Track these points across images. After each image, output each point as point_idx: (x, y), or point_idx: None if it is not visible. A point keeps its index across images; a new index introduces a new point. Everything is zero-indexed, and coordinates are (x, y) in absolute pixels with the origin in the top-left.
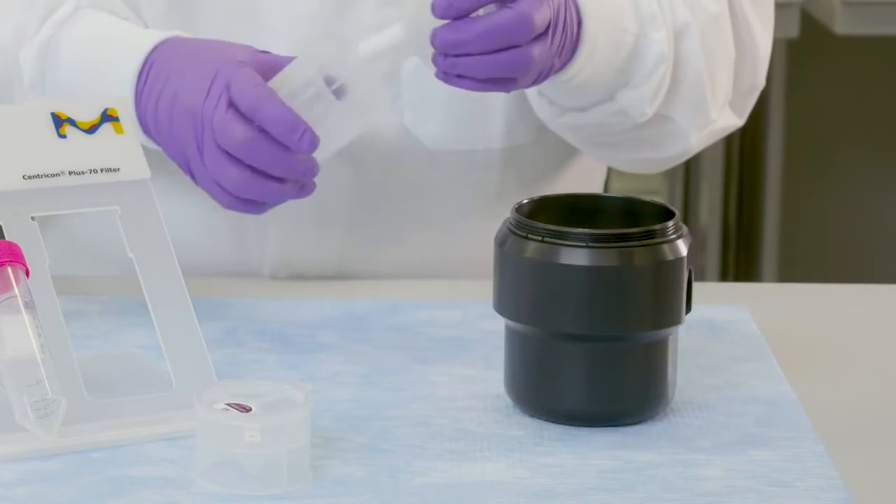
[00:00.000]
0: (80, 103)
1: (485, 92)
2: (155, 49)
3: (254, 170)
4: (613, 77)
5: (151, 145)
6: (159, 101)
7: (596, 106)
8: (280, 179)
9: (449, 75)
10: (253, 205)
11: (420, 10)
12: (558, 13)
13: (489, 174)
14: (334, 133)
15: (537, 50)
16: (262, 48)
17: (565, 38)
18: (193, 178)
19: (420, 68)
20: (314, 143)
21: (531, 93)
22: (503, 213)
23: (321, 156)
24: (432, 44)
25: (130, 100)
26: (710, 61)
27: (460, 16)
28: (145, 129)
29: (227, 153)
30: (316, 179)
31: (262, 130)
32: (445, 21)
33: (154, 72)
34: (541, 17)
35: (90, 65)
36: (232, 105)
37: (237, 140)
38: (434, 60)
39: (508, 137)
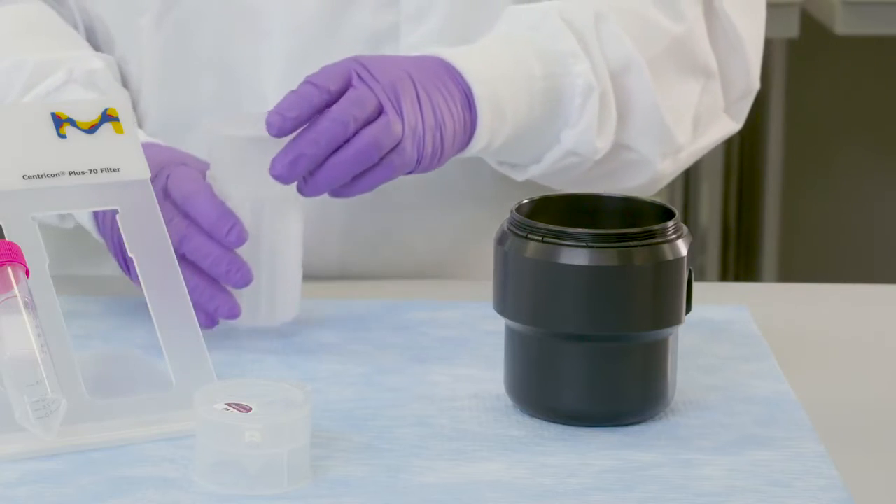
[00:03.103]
0: (81, 103)
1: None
2: None
3: (184, 259)
4: (547, 123)
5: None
6: None
7: (548, 152)
8: (208, 279)
9: (331, 193)
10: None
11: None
12: (398, 93)
13: (487, 175)
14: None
15: (377, 131)
16: (260, 53)
17: (454, 108)
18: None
19: None
20: (242, 237)
21: (491, 162)
22: (501, 214)
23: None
24: (273, 175)
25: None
26: (671, 87)
27: (297, 126)
28: (101, 228)
29: None
30: None
31: (197, 224)
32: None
33: None
34: (359, 107)
35: None
36: (169, 196)
37: (171, 227)
38: (300, 190)
39: None
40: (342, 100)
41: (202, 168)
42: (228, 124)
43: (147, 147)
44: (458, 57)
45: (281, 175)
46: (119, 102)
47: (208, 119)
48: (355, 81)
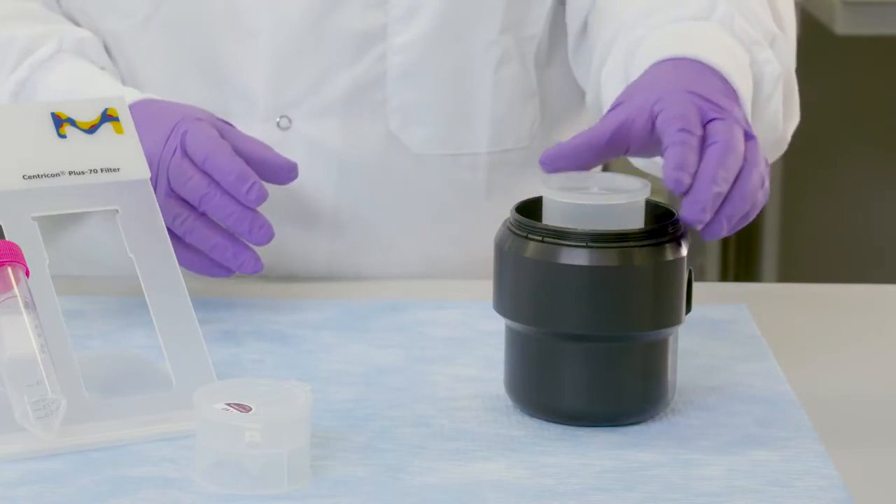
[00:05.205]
0: (80, 103)
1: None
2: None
3: (203, 216)
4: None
5: None
6: None
7: None
8: (229, 237)
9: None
10: (195, 256)
11: None
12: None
13: (475, 178)
14: None
15: (756, 154)
16: (247, 53)
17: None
18: None
19: (405, 73)
20: (261, 196)
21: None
22: (489, 216)
23: None
24: (690, 221)
25: None
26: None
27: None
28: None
29: (180, 199)
30: (302, 182)
31: (216, 181)
32: None
33: None
34: (738, 136)
35: None
36: (186, 154)
37: (191, 186)
38: (702, 233)
39: (494, 142)
40: (723, 131)
41: (214, 122)
42: (563, 188)
43: (154, 103)
44: (711, 55)
45: (697, 220)
46: (119, 102)
47: (546, 182)
48: (712, 112)
